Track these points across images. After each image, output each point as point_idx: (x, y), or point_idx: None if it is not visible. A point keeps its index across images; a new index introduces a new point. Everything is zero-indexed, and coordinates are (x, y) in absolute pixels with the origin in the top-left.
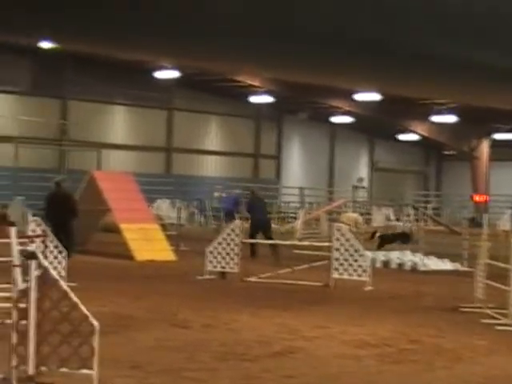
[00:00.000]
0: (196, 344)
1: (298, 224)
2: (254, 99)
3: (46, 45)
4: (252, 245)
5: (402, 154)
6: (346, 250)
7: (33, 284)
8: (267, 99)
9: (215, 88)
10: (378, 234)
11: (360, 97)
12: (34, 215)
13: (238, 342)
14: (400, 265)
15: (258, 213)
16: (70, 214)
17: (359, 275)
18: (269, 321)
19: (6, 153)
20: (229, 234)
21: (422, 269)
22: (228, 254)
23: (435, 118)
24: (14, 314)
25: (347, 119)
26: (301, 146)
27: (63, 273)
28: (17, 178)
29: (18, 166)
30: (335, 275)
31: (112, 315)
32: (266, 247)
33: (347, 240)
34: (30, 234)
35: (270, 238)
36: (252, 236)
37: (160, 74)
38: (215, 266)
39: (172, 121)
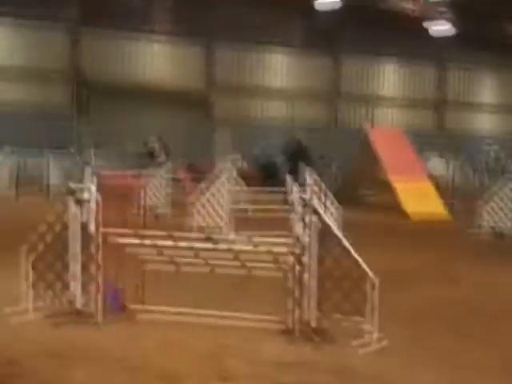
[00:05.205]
0: (468, 302)
1: None
2: None
3: (319, 3)
4: None
5: None
6: None
7: (312, 231)
8: None
9: (488, 42)
10: None
11: None
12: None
13: None
14: None
15: None
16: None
17: None
18: None
19: (279, 109)
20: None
21: None
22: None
23: None
24: (295, 264)
25: None
26: None
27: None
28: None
29: (293, 125)
30: None
31: (386, 270)
32: None
33: None
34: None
35: None
36: None
37: (433, 30)
38: (491, 225)
39: (445, 76)
